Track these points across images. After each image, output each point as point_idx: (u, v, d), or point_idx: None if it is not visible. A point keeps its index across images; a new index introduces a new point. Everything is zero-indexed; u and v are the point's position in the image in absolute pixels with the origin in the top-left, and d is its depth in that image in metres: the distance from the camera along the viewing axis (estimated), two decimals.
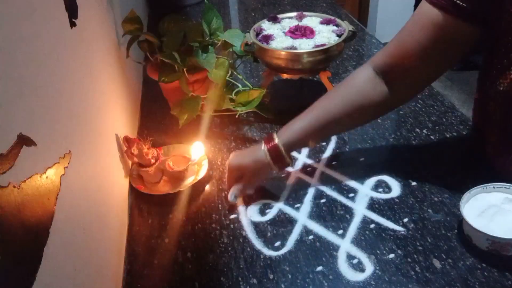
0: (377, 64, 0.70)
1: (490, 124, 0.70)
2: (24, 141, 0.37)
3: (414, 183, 0.74)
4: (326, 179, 0.77)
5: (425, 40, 0.63)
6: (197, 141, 0.81)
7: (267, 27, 0.96)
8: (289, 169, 0.80)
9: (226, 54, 0.90)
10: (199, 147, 0.79)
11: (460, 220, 0.65)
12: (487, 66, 0.66)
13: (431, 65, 0.66)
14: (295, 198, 0.74)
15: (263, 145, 0.70)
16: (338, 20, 0.95)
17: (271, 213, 0.71)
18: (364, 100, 0.69)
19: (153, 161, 0.76)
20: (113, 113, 0.76)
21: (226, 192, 0.76)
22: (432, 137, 0.84)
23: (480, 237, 0.59)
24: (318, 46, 0.86)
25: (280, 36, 0.92)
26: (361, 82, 0.70)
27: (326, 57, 0.87)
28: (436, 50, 0.63)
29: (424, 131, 0.86)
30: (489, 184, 0.65)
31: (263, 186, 0.76)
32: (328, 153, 0.83)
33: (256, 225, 0.69)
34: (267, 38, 0.90)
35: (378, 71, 0.70)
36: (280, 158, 0.69)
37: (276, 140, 0.69)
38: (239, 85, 0.97)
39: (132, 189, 0.77)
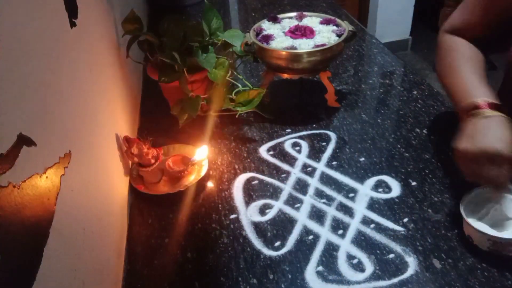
0: (449, 33, 0.78)
1: None
2: (24, 141, 0.37)
3: (414, 183, 0.74)
4: (326, 179, 0.77)
5: (487, 20, 0.73)
6: (203, 145, 0.81)
7: (267, 27, 0.96)
8: (289, 169, 0.80)
9: (226, 54, 0.90)
10: (203, 151, 0.79)
11: (461, 221, 0.65)
12: None
13: (493, 37, 0.75)
14: (295, 198, 0.74)
15: (484, 111, 0.61)
16: (338, 20, 0.95)
17: (271, 213, 0.71)
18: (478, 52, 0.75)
19: (153, 161, 0.76)
20: (113, 113, 0.76)
21: (225, 193, 0.76)
22: (432, 137, 0.84)
23: (481, 238, 0.59)
24: (318, 46, 0.86)
25: (280, 36, 0.92)
26: (462, 41, 0.76)
27: (326, 57, 0.87)
28: (500, 21, 0.72)
29: (424, 131, 0.86)
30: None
31: (263, 186, 0.76)
32: (328, 153, 0.83)
33: (256, 225, 0.69)
34: (267, 38, 0.90)
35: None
36: (501, 108, 0.62)
37: (481, 100, 0.63)
38: (239, 85, 0.97)
39: (132, 189, 0.77)
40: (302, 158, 0.83)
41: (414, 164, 0.78)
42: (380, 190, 0.73)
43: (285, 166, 0.81)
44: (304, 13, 0.99)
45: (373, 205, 0.71)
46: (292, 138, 0.88)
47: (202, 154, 0.79)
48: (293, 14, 0.99)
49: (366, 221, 0.68)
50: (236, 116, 0.91)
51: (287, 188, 0.76)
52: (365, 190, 0.74)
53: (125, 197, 0.76)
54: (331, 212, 0.70)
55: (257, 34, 0.93)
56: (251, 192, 0.76)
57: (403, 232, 0.65)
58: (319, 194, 0.74)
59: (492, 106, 0.62)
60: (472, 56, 0.74)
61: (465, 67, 0.72)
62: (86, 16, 0.65)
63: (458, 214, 0.67)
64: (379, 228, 0.67)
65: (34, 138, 0.39)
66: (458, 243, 0.63)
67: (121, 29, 0.87)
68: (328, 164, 0.80)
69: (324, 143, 0.86)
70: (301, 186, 0.76)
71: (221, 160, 0.84)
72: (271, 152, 0.85)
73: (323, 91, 0.96)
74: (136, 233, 0.70)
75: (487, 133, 0.60)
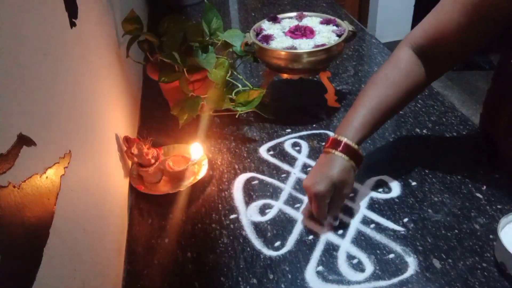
0: (415, 43, 0.70)
1: (504, 111, 0.70)
2: (24, 141, 0.37)
3: (414, 183, 0.74)
4: None
5: (464, 20, 0.63)
6: (195, 142, 0.81)
7: (267, 27, 0.96)
8: (289, 169, 0.80)
9: (226, 54, 0.90)
10: (197, 148, 0.79)
11: (461, 221, 0.65)
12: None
13: (469, 44, 0.67)
14: (295, 198, 0.74)
15: (335, 152, 0.65)
16: (338, 20, 0.95)
17: (271, 213, 0.71)
18: (413, 82, 0.69)
19: (153, 161, 0.76)
20: (113, 113, 0.76)
21: (225, 193, 0.76)
22: (432, 137, 0.84)
23: None
24: (318, 46, 0.86)
25: (280, 36, 0.92)
26: (407, 65, 0.70)
27: (326, 57, 0.87)
28: (475, 29, 0.64)
29: (424, 131, 0.86)
30: None
31: (263, 186, 0.76)
32: None
33: (256, 225, 0.69)
34: (267, 38, 0.90)
35: (416, 50, 0.70)
36: (358, 156, 0.66)
37: (346, 141, 0.65)
38: (239, 85, 0.97)
39: (132, 189, 0.77)
40: (302, 158, 0.83)
41: (414, 164, 0.78)
42: (380, 190, 0.73)
43: (285, 166, 0.81)
44: (304, 13, 0.99)
45: (373, 205, 0.71)
46: (292, 138, 0.88)
47: (197, 151, 0.79)
48: (293, 14, 0.99)
49: (366, 221, 0.68)
50: (236, 116, 0.91)
51: (287, 188, 0.76)
52: (365, 190, 0.74)
53: (125, 197, 0.76)
54: None
55: (257, 34, 0.93)
56: (251, 192, 0.76)
57: (403, 232, 0.65)
58: None
59: (345, 149, 0.65)
60: (386, 90, 0.68)
61: (365, 100, 0.68)
62: (86, 16, 0.65)
63: (458, 214, 0.67)
64: (379, 228, 0.67)
65: (34, 138, 0.39)
66: (458, 243, 0.63)
67: (121, 29, 0.87)
68: None
69: (324, 143, 0.86)
70: (301, 186, 0.76)
71: (221, 160, 0.84)
72: (271, 152, 0.85)
73: (323, 91, 0.96)
74: (136, 233, 0.70)
75: (320, 171, 0.65)
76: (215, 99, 0.86)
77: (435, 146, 0.82)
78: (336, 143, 0.66)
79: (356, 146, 0.66)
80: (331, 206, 0.66)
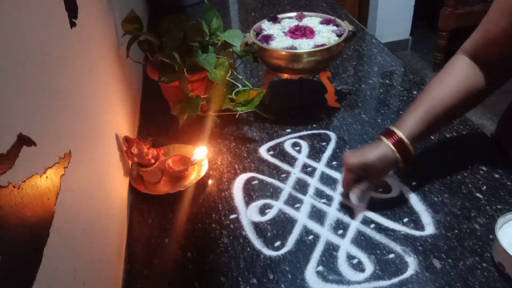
0: (468, 52, 0.71)
1: None
2: (24, 141, 0.37)
3: (414, 183, 0.74)
4: (326, 179, 0.77)
5: (509, 26, 0.63)
6: (201, 145, 0.81)
7: (267, 27, 0.96)
8: (289, 169, 0.80)
9: (226, 54, 0.90)
10: (202, 151, 0.79)
11: (461, 220, 0.65)
12: None
13: None
14: (295, 198, 0.74)
15: (384, 140, 0.67)
16: (338, 20, 0.95)
17: (271, 213, 0.71)
18: (470, 86, 0.69)
19: (153, 161, 0.76)
20: (113, 113, 0.76)
21: (225, 193, 0.76)
22: (432, 137, 0.84)
23: None
24: (318, 46, 0.86)
25: (280, 36, 0.92)
26: (463, 69, 0.70)
27: (326, 57, 0.87)
28: None
29: None
30: None
31: (263, 186, 0.76)
32: (328, 153, 0.83)
33: (256, 225, 0.69)
34: (267, 38, 0.90)
35: (471, 58, 0.70)
36: (407, 152, 0.66)
37: (399, 134, 0.66)
38: (239, 85, 0.97)
39: (132, 189, 0.77)
40: (302, 158, 0.83)
41: None
42: (380, 190, 0.73)
43: (285, 166, 0.81)
44: (304, 13, 0.99)
45: (373, 205, 0.71)
46: (292, 138, 0.88)
47: (201, 155, 0.79)
48: (293, 14, 0.99)
49: (366, 221, 0.68)
50: (236, 116, 0.91)
51: (287, 188, 0.76)
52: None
53: (125, 197, 0.76)
54: (331, 212, 0.70)
55: (257, 34, 0.93)
56: (251, 192, 0.76)
57: (403, 232, 0.65)
58: (319, 194, 0.74)
59: (392, 138, 0.66)
60: (441, 93, 0.68)
61: (420, 101, 0.69)
62: (86, 16, 0.65)
63: (458, 215, 0.67)
64: (379, 228, 0.67)
65: (34, 138, 0.39)
66: (458, 243, 0.63)
67: (121, 29, 0.87)
68: (328, 164, 0.80)
69: (324, 143, 0.86)
70: (301, 186, 0.76)
71: (221, 160, 0.84)
72: (271, 152, 0.85)
73: (323, 91, 0.96)
74: (136, 233, 0.70)
75: (364, 149, 0.68)
76: (215, 99, 0.86)
77: (435, 146, 0.82)
78: (387, 132, 0.68)
79: (405, 139, 0.65)
80: (356, 184, 0.69)
